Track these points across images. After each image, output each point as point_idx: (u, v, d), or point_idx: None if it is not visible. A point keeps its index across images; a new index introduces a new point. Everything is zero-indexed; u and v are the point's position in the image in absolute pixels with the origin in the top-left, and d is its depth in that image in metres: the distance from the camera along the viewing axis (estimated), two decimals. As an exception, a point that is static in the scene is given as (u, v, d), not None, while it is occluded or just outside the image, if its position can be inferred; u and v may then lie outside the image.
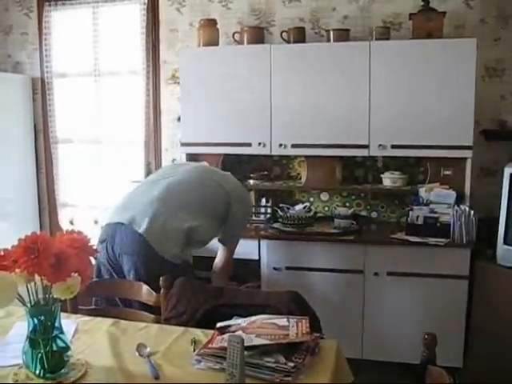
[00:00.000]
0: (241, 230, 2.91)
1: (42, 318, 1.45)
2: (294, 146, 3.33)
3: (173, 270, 2.28)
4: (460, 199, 3.13)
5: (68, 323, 1.76)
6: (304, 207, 3.47)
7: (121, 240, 2.41)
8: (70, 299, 1.52)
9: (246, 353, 1.42)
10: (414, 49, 3.11)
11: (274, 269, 3.19)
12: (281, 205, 3.45)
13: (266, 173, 3.66)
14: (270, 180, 3.64)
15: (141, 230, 2.37)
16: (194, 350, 1.62)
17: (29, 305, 1.42)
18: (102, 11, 3.93)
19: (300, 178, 3.65)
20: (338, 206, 3.63)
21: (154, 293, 2.20)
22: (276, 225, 3.35)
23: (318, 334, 1.67)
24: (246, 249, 3.10)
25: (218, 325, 1.71)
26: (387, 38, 3.25)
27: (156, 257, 2.35)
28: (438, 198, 3.14)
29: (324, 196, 3.70)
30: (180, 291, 2.06)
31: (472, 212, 2.97)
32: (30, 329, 1.45)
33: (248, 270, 3.17)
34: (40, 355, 1.44)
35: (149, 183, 2.74)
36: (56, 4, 3.99)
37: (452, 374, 3.00)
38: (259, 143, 3.35)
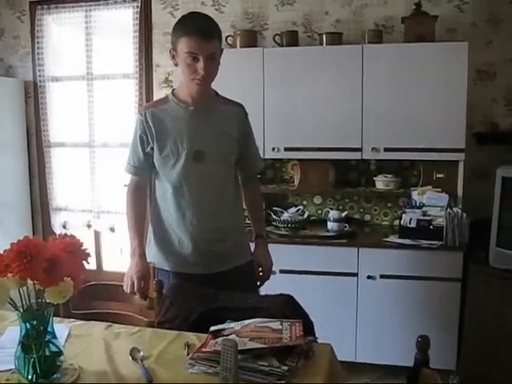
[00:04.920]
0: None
1: (35, 322, 1.44)
2: (286, 149, 3.34)
3: None
4: (453, 202, 3.15)
5: (61, 328, 1.75)
6: (297, 210, 3.47)
7: None
8: (62, 303, 1.50)
9: (239, 356, 1.42)
10: (406, 52, 3.13)
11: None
12: (274, 208, 3.46)
13: (259, 176, 3.65)
14: (263, 183, 3.63)
15: None
16: (188, 354, 1.61)
17: (21, 309, 1.41)
18: (95, 15, 3.93)
19: (293, 182, 3.66)
20: (331, 209, 3.63)
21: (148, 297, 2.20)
22: (269, 228, 3.35)
23: (311, 338, 1.67)
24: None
25: (212, 328, 1.70)
26: (380, 42, 3.27)
27: None
28: (430, 201, 3.15)
29: (317, 199, 3.71)
30: (173, 295, 2.05)
31: (464, 215, 2.99)
32: (23, 334, 1.44)
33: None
34: (32, 360, 1.43)
35: None
36: (48, 7, 3.98)
37: (445, 376, 3.02)
38: (252, 146, 3.34)
